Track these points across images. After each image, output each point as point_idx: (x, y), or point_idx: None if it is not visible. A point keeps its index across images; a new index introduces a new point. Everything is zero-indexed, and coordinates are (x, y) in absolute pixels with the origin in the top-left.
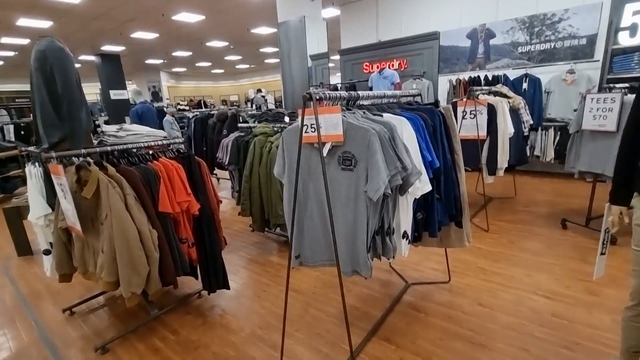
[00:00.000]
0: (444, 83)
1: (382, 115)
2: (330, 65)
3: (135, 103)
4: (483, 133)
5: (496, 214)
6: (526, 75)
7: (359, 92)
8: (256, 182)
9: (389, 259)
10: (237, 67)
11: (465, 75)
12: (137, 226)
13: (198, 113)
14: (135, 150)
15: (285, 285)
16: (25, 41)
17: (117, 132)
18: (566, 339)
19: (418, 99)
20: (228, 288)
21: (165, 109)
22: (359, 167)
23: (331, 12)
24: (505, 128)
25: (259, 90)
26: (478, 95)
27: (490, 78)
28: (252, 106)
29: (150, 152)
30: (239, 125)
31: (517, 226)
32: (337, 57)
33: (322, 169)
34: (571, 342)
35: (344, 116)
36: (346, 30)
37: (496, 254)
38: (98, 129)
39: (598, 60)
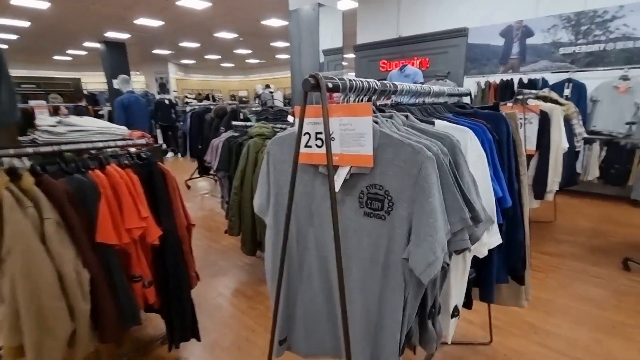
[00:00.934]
0: (471, 85)
1: (432, 123)
2: (344, 64)
3: (122, 92)
4: (532, 147)
5: (535, 243)
6: (569, 80)
7: (396, 83)
8: (248, 195)
9: (430, 352)
10: (247, 61)
11: (496, 78)
12: (55, 266)
13: (196, 107)
14: (87, 152)
15: None
16: (25, 23)
17: (54, 127)
18: None
19: (466, 99)
20: (198, 339)
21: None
22: (396, 214)
23: (348, 4)
24: (560, 142)
25: (267, 86)
26: (527, 99)
27: (525, 82)
28: (258, 102)
29: (103, 156)
30: (233, 123)
31: (565, 262)
32: (352, 55)
33: (331, 211)
34: None
35: (376, 122)
36: (364, 24)
37: (546, 303)
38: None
39: None
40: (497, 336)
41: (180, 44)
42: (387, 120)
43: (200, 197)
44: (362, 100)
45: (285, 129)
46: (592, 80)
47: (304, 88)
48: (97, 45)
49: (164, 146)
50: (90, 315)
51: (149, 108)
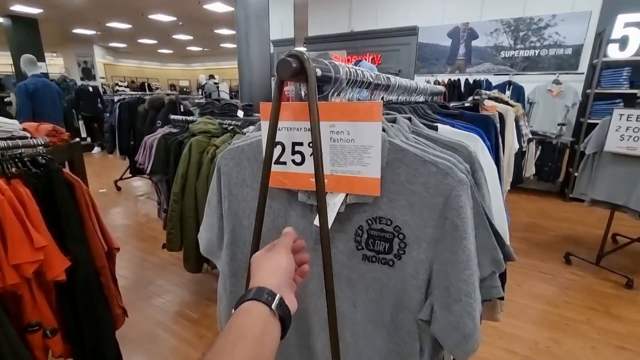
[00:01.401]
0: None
1: (435, 128)
2: None
3: (27, 76)
4: None
5: None
6: (510, 82)
7: (390, 76)
8: (191, 204)
9: None
10: (188, 48)
11: (444, 78)
12: None
13: (126, 96)
14: None
15: None
16: None
17: None
18: None
19: (437, 99)
20: None
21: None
22: (411, 258)
23: None
24: (513, 143)
25: (212, 77)
26: (484, 100)
27: (471, 82)
28: (202, 94)
29: None
30: (172, 117)
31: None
32: (302, 48)
33: (323, 253)
34: None
35: (382, 129)
36: (315, 15)
37: (507, 304)
38: None
39: (582, 73)
40: None
41: (108, 24)
42: (392, 126)
43: (133, 200)
44: (353, 97)
45: (234, 127)
46: (529, 83)
47: (280, 74)
48: (0, 20)
49: (89, 140)
50: None
51: (67, 96)
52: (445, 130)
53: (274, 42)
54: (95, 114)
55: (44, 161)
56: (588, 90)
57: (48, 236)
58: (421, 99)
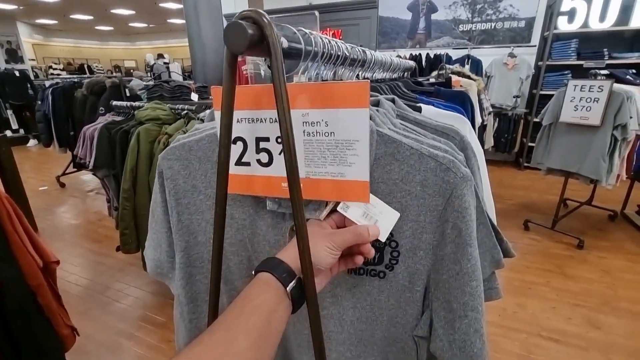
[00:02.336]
0: None
1: (419, 109)
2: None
3: None
4: None
5: None
6: (468, 56)
7: (366, 50)
8: (144, 201)
9: None
10: (130, 25)
11: (405, 53)
12: None
13: (59, 81)
14: None
15: None
16: None
17: None
18: None
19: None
20: None
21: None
22: (405, 268)
23: None
24: (477, 117)
25: (161, 56)
26: (448, 74)
27: (432, 57)
28: (151, 75)
29: None
30: (114, 103)
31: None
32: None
33: (302, 267)
34: None
35: (371, 120)
36: None
37: None
38: None
39: (535, 46)
40: None
41: None
42: (377, 110)
43: (81, 196)
44: (325, 75)
45: (188, 112)
46: (486, 57)
47: (231, 45)
48: None
49: (22, 132)
50: None
51: None
52: (430, 112)
53: (227, 17)
54: (26, 101)
55: None
56: (540, 63)
57: None
58: (395, 75)
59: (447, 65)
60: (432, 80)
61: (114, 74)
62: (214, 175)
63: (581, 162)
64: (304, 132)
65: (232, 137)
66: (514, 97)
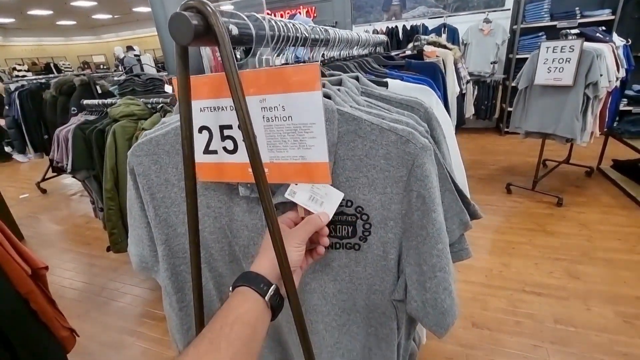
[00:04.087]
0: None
1: (385, 84)
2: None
3: None
4: None
5: None
6: (444, 25)
7: (328, 29)
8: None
9: None
10: (94, 17)
11: (382, 26)
12: None
13: (25, 83)
14: None
15: None
16: None
17: None
18: (585, 356)
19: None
20: None
21: None
22: (377, 238)
23: None
24: (454, 87)
25: (130, 48)
26: (424, 45)
27: (408, 28)
28: (122, 70)
29: None
30: (85, 102)
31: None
32: (229, 6)
33: (275, 249)
34: (586, 352)
35: (327, 96)
36: None
37: None
38: None
39: (509, 9)
40: None
41: None
42: (339, 89)
43: (64, 201)
44: (288, 58)
45: (163, 105)
46: (462, 24)
47: (177, 37)
48: None
49: None
50: None
51: None
52: (396, 86)
53: None
54: None
55: None
56: (515, 26)
57: None
58: (365, 51)
59: (423, 37)
60: (408, 52)
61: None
62: (179, 165)
63: (557, 122)
64: (263, 117)
65: (198, 127)
66: (491, 63)
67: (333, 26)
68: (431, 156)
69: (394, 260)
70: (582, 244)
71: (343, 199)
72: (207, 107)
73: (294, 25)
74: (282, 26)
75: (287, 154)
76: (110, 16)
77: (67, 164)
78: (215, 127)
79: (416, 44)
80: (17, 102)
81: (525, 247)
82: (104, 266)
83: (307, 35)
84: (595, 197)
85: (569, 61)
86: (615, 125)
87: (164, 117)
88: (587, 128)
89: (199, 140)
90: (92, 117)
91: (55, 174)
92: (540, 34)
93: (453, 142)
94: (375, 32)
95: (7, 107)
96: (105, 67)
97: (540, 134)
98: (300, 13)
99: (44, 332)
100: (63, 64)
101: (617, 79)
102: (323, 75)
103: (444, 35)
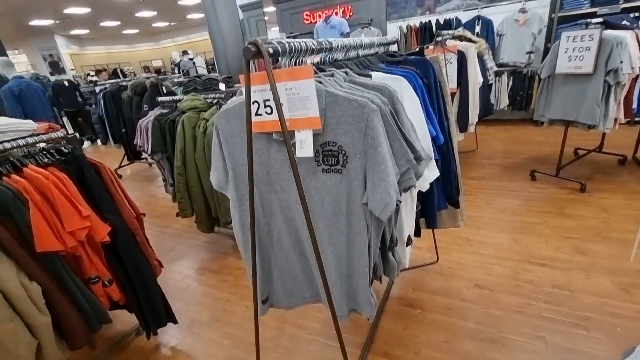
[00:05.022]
0: (394, 30)
1: (370, 76)
2: (266, 19)
3: (7, 79)
4: (453, 85)
5: (464, 171)
6: (478, 17)
7: (331, 40)
8: (194, 174)
9: (392, 279)
10: (154, 25)
11: (415, 21)
12: None
13: (107, 85)
14: None
15: (256, 342)
16: None
17: None
18: (575, 314)
19: (394, 47)
20: (175, 322)
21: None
22: (352, 166)
23: None
24: (476, 77)
25: (185, 52)
26: (446, 40)
27: (442, 22)
28: (179, 72)
29: (14, 158)
30: (160, 99)
31: (488, 183)
32: (272, 9)
33: (294, 174)
34: (581, 318)
35: (320, 82)
36: None
37: (477, 219)
38: None
39: None
40: (442, 255)
41: (65, 11)
42: (330, 79)
43: (138, 183)
44: (301, 62)
45: (219, 99)
46: (497, 15)
47: (245, 56)
48: None
49: (77, 135)
50: (54, 326)
51: (47, 93)
52: (378, 77)
53: (242, 7)
54: (78, 108)
55: (67, 150)
56: (552, 15)
57: (89, 209)
58: (372, 51)
59: (445, 31)
60: (431, 47)
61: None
62: (244, 124)
63: (578, 109)
64: (286, 94)
65: (252, 100)
66: (527, 53)
67: (368, 23)
68: (378, 115)
69: (362, 179)
70: (598, 225)
71: (329, 141)
72: (258, 90)
73: (305, 42)
74: (296, 44)
75: (298, 112)
76: (167, 23)
77: (147, 148)
78: (261, 100)
79: (438, 39)
80: (102, 102)
81: (539, 227)
82: (171, 234)
83: (313, 47)
84: (623, 185)
85: (588, 49)
86: None
87: (219, 109)
88: (609, 114)
89: (253, 108)
90: (165, 111)
91: (128, 162)
92: (579, 21)
93: (419, 116)
94: (408, 27)
95: (93, 106)
96: (163, 70)
97: (563, 121)
98: (337, 13)
99: (143, 258)
100: (127, 69)
101: None
102: (322, 70)
103: (477, 27)
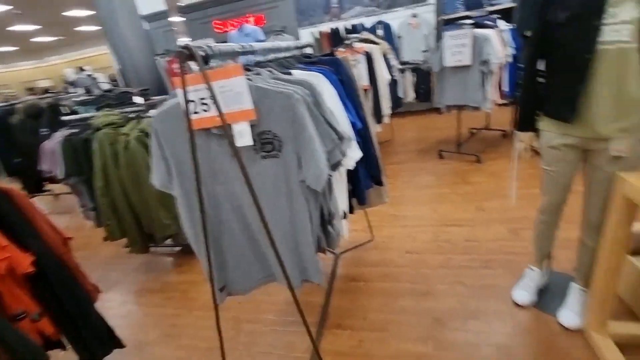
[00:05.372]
0: (307, 36)
1: (290, 74)
2: (174, 29)
3: None
4: (366, 83)
5: (384, 159)
6: (379, 22)
7: (253, 44)
8: (119, 192)
9: (334, 250)
10: (34, 40)
11: (325, 27)
12: None
13: None
14: None
15: (217, 327)
16: None
17: None
18: (483, 258)
19: (310, 50)
20: (121, 346)
21: None
22: (286, 150)
23: None
24: (383, 75)
25: (82, 69)
26: (352, 43)
27: (349, 28)
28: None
29: None
30: (65, 118)
31: (405, 166)
32: (179, 19)
33: (238, 162)
34: (487, 261)
35: (249, 79)
36: None
37: (400, 198)
38: None
39: (432, 4)
40: (376, 232)
41: None
42: (257, 77)
43: None
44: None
45: (138, 113)
46: (395, 20)
47: (179, 61)
48: None
49: None
50: None
51: None
52: (298, 74)
53: (146, 18)
54: None
55: None
56: (439, 18)
57: (4, 239)
58: (290, 54)
59: (352, 35)
60: (341, 49)
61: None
62: (181, 123)
63: (465, 95)
64: (220, 92)
65: (189, 100)
66: (423, 52)
67: (282, 31)
68: (302, 103)
69: (296, 160)
70: (491, 187)
71: (264, 130)
72: (192, 90)
73: (230, 46)
74: (222, 48)
75: (234, 107)
76: (53, 38)
77: (59, 172)
78: (196, 99)
79: (347, 42)
80: None
81: (449, 195)
82: (98, 263)
83: (238, 50)
84: (505, 153)
85: (465, 45)
86: (516, 93)
87: (139, 123)
88: (488, 97)
89: (190, 107)
90: (75, 130)
91: (30, 196)
92: (456, 23)
93: (337, 104)
94: (320, 33)
95: None
96: (54, 91)
97: (456, 106)
98: (249, 21)
99: (77, 284)
100: (7, 92)
101: (506, 56)
102: (249, 70)
103: (380, 31)
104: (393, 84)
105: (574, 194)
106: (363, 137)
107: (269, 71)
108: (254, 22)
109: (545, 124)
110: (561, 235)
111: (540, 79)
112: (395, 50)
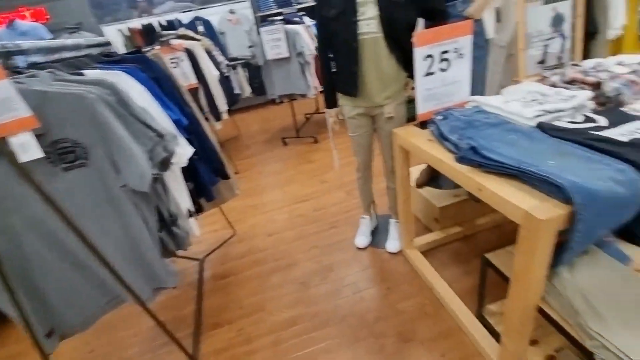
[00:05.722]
0: (115, 34)
1: (82, 74)
2: None
3: None
4: (194, 81)
5: (235, 155)
6: (197, 18)
7: (20, 43)
8: None
9: (186, 249)
10: None
11: (135, 23)
12: None
13: None
14: None
15: None
16: None
17: None
18: (329, 221)
19: (114, 49)
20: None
21: None
22: (95, 156)
23: None
24: (210, 71)
25: None
26: (169, 40)
27: (165, 24)
28: None
29: None
30: None
31: (256, 158)
32: None
33: (29, 183)
34: (333, 222)
35: (21, 82)
36: None
37: (256, 188)
38: None
39: (247, 0)
40: (238, 225)
41: None
42: (32, 79)
43: None
44: None
45: None
46: (214, 15)
47: None
48: None
49: None
50: None
51: None
52: (94, 74)
53: None
54: None
55: None
56: (256, 15)
57: None
58: (83, 53)
59: (170, 32)
60: (157, 47)
61: None
62: None
63: (290, 85)
64: None
65: None
66: (249, 47)
67: (78, 28)
68: (101, 104)
69: (111, 164)
70: (327, 161)
71: (59, 139)
72: None
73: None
74: None
75: (4, 116)
76: None
77: None
78: None
79: (162, 39)
80: None
81: (296, 176)
82: None
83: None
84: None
85: (280, 40)
86: None
87: None
88: (310, 84)
89: None
90: None
91: None
92: (269, 19)
93: (150, 102)
94: (131, 30)
95: None
96: None
97: (286, 95)
98: (24, 17)
99: None
100: None
101: (315, 47)
102: (20, 74)
103: (201, 28)
104: (225, 80)
105: (378, 156)
106: (195, 134)
107: (50, 72)
108: (30, 17)
109: (343, 100)
110: (378, 187)
111: (332, 64)
112: (221, 46)
